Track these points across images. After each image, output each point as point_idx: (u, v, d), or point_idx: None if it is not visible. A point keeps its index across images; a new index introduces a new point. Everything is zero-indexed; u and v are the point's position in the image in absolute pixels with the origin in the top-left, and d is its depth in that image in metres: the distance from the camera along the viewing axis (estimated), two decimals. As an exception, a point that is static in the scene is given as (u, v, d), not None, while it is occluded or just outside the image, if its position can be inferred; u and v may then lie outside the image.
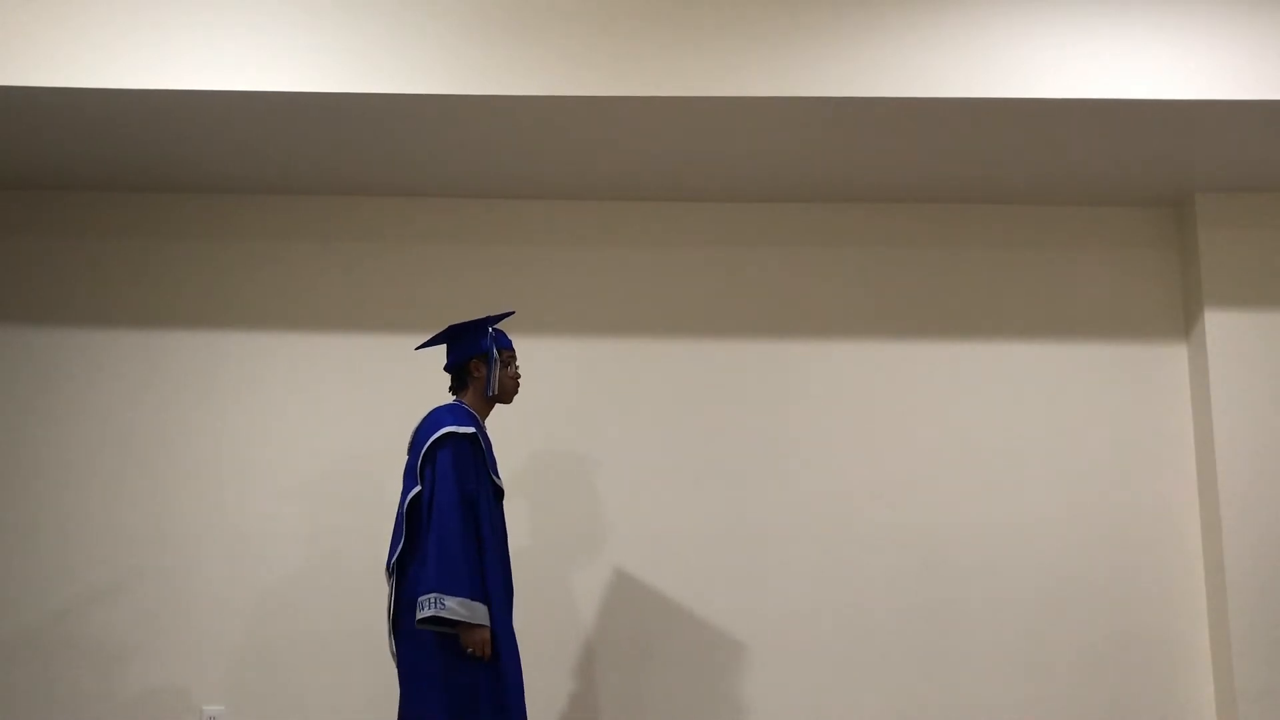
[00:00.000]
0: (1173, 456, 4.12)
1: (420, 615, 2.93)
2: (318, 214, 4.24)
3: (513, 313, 3.48)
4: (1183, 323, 4.23)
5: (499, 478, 3.26)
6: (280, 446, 4.06)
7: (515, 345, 4.10)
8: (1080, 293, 4.24)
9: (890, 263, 4.26)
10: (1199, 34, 3.46)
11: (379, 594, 3.94)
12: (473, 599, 2.95)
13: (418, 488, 3.10)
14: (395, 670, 3.92)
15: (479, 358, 3.30)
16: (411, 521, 3.11)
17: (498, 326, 3.36)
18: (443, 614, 2.90)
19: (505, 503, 3.53)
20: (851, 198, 4.25)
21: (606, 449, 4.08)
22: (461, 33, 3.44)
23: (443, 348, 3.45)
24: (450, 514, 3.00)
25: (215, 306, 4.16)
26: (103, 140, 3.75)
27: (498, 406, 3.55)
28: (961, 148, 3.79)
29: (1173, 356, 4.20)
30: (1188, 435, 4.13)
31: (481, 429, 3.23)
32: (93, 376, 4.09)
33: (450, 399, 3.37)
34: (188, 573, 3.96)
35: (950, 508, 4.07)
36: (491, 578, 3.04)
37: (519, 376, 3.38)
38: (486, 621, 2.97)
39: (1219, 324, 4.07)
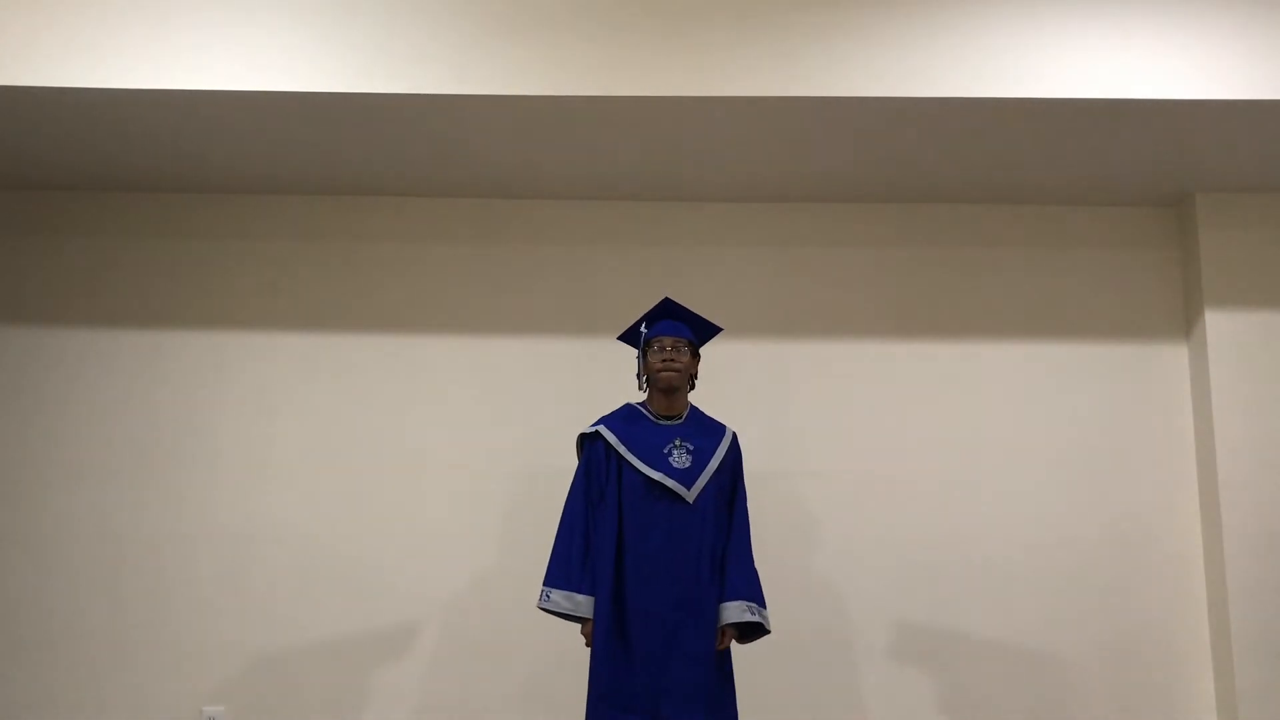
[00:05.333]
0: (1173, 456, 4.12)
1: (538, 604, 3.13)
2: (318, 214, 4.24)
3: (665, 299, 3.36)
4: (1183, 323, 4.22)
5: (656, 470, 3.17)
6: (280, 446, 4.06)
7: (514, 346, 4.12)
8: (1081, 293, 4.24)
9: (890, 263, 4.26)
10: (1199, 34, 3.46)
11: (378, 594, 3.94)
12: (576, 592, 3.10)
13: None
14: (392, 668, 3.95)
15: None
16: None
17: (666, 319, 3.33)
18: (545, 606, 3.10)
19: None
20: (852, 198, 4.25)
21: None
22: (461, 32, 3.44)
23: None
24: (565, 513, 3.20)
25: (215, 306, 4.16)
26: (103, 140, 3.75)
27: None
28: (962, 148, 3.78)
29: (1173, 356, 4.20)
30: (1188, 435, 4.13)
31: (637, 421, 3.26)
32: (93, 376, 4.09)
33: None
34: (188, 573, 3.97)
35: (950, 507, 4.07)
36: (603, 572, 3.09)
37: (669, 360, 3.25)
38: (588, 615, 3.09)
39: (1219, 324, 4.07)
